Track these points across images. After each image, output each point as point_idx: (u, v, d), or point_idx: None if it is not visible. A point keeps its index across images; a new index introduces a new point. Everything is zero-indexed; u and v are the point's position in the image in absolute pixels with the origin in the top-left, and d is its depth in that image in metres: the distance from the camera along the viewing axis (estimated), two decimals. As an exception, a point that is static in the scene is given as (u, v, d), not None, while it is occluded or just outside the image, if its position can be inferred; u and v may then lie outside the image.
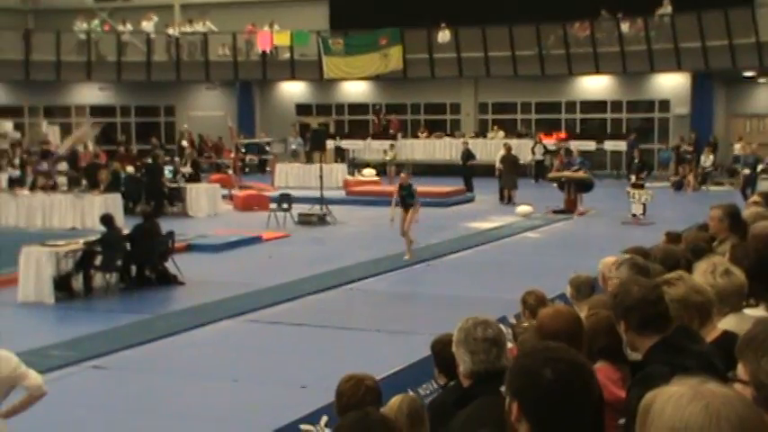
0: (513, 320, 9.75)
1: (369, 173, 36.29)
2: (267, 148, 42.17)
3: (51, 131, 42.06)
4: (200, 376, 12.04)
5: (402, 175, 21.39)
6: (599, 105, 41.36)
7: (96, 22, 43.56)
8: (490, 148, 36.94)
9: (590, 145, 37.93)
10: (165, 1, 44.53)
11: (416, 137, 41.86)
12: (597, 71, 39.26)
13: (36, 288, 16.42)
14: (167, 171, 29.77)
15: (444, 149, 40.62)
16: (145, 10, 43.92)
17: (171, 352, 13.25)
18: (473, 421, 4.08)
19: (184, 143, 40.09)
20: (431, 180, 32.27)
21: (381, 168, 37.26)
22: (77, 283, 16.96)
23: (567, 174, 28.69)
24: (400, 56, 40.54)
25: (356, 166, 38.27)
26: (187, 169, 30.54)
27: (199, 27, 43.17)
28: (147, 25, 43.02)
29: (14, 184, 27.88)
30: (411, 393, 6.89)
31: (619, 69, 38.74)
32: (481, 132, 41.30)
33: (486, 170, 33.39)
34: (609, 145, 38.91)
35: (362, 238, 23.34)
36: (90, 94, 44.69)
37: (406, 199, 19.93)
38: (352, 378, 5.12)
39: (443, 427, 4.47)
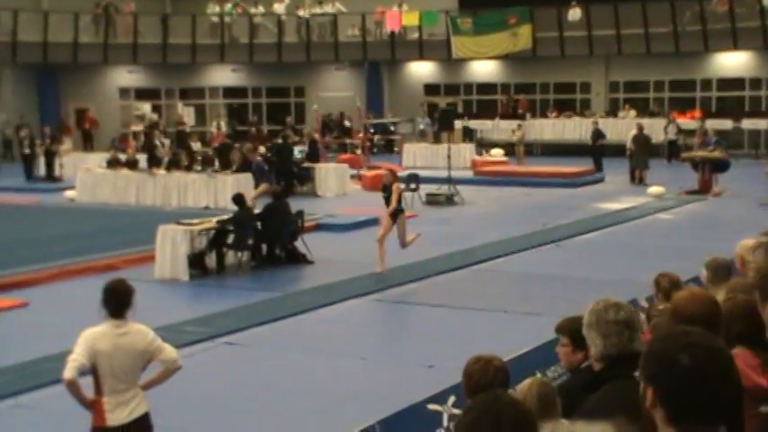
0: (644, 303, 9.55)
1: (497, 153, 36.04)
2: (394, 129, 42.22)
3: (186, 113, 42.98)
4: (328, 354, 12.12)
5: (386, 170, 19.33)
6: (736, 83, 40.15)
7: (229, 5, 44.14)
8: (621, 128, 36.24)
9: (726, 124, 36.93)
10: (296, -17, 44.93)
11: (545, 117, 41.44)
12: (735, 47, 38.17)
13: (172, 265, 16.76)
14: (297, 152, 30.05)
15: (574, 129, 40.09)
16: (276, -8, 44.44)
17: (300, 329, 13.36)
18: (605, 405, 3.99)
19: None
20: (560, 160, 31.92)
21: (510, 149, 36.94)
22: (210, 260, 17.26)
23: (701, 153, 27.96)
24: (529, 35, 40.13)
25: (484, 146, 38.05)
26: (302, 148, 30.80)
27: (329, 8, 43.38)
28: (279, 7, 43.42)
29: (153, 164, 28.43)
30: (540, 376, 6.81)
31: (759, 45, 37.58)
32: (612, 111, 40.66)
33: (617, 150, 32.81)
34: (747, 123, 37.79)
35: (490, 219, 23.19)
36: (223, 75, 45.35)
37: (386, 202, 17.24)
38: (481, 359, 5.05)
39: (574, 412, 4.38)
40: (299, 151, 30.22)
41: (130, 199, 26.95)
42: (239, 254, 17.64)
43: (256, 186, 24.18)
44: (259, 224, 17.83)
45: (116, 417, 6.53)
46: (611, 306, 4.46)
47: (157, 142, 32.21)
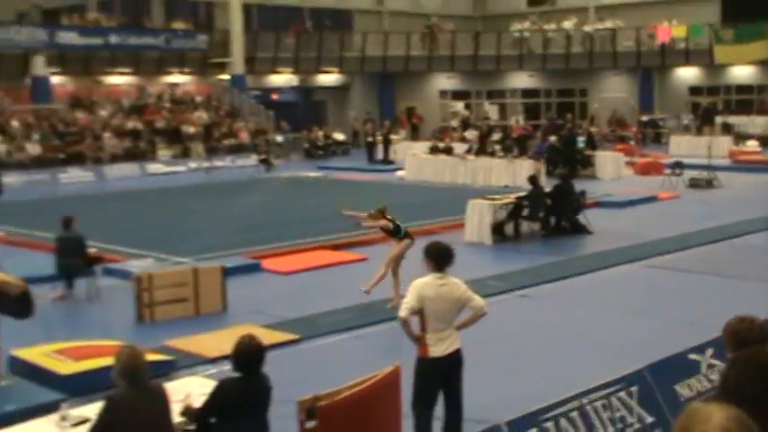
0: None
1: (752, 144, 33.88)
2: (662, 123, 40.66)
3: (491, 110, 43.20)
4: (604, 308, 11.86)
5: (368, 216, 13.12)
6: None
7: (527, 23, 43.91)
8: None
9: None
10: (583, 4, 43.99)
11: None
12: None
13: (478, 232, 16.91)
14: (579, 141, 29.56)
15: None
16: (566, 12, 43.78)
17: (581, 287, 13.14)
18: None
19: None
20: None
21: (764, 141, 34.57)
22: (508, 229, 17.25)
23: None
24: (785, 43, 37.35)
25: (741, 138, 35.86)
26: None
27: (609, 24, 42.26)
28: (568, 24, 42.76)
29: (470, 150, 28.70)
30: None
31: None
32: None
33: None
34: None
35: (745, 200, 21.82)
36: (520, 79, 45.07)
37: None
38: (746, 319, 4.74)
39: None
40: (581, 141, 29.70)
41: (446, 178, 27.36)
42: (532, 224, 17.57)
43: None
44: (549, 200, 17.67)
45: (436, 350, 6.66)
46: None
47: (467, 134, 32.58)
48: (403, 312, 6.56)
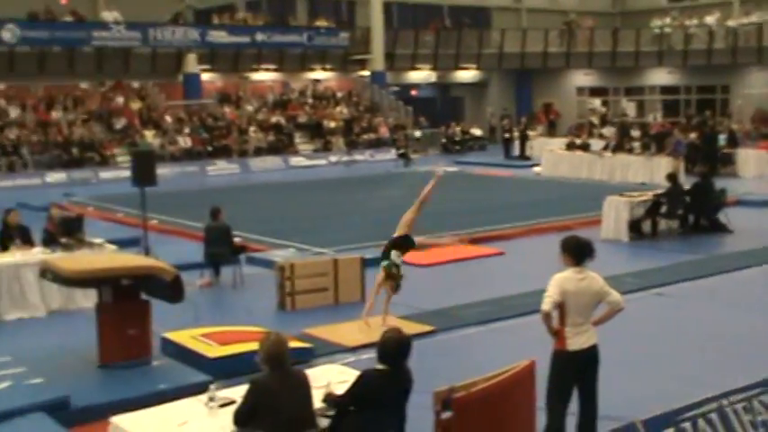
0: None
1: None
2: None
3: (628, 106, 42.11)
4: (743, 309, 11.39)
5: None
6: None
7: (668, 19, 42.58)
8: None
9: None
10: (726, -2, 42.51)
11: None
12: None
13: (614, 228, 16.55)
14: (721, 139, 28.50)
15: None
16: (709, 6, 42.22)
17: (720, 287, 12.66)
18: None
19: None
20: None
21: None
22: (646, 226, 16.80)
23: None
24: None
25: None
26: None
27: (754, 18, 40.46)
28: (710, 19, 41.22)
29: (607, 147, 28.08)
30: None
31: None
32: None
33: None
34: None
35: None
36: (660, 76, 43.68)
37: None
38: None
39: None
40: (722, 138, 28.61)
41: (582, 174, 26.89)
42: (670, 222, 17.05)
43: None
44: (688, 198, 17.11)
45: (574, 342, 6.55)
46: None
47: (604, 131, 31.86)
48: (546, 306, 6.50)
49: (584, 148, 28.60)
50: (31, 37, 31.81)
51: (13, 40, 31.32)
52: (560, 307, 6.56)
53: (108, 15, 33.88)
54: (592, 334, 6.64)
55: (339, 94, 39.55)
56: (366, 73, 40.31)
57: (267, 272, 12.95)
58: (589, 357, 6.61)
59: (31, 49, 32.38)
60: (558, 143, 31.47)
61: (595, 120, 38.33)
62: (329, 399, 5.67)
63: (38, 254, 11.56)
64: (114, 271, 8.54)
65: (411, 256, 14.73)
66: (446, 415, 5.61)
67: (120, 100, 34.08)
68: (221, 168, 32.00)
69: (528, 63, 42.66)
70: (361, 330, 9.97)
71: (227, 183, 28.03)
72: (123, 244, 13.83)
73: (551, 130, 40.32)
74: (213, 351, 8.66)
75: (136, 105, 34.18)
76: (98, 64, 33.87)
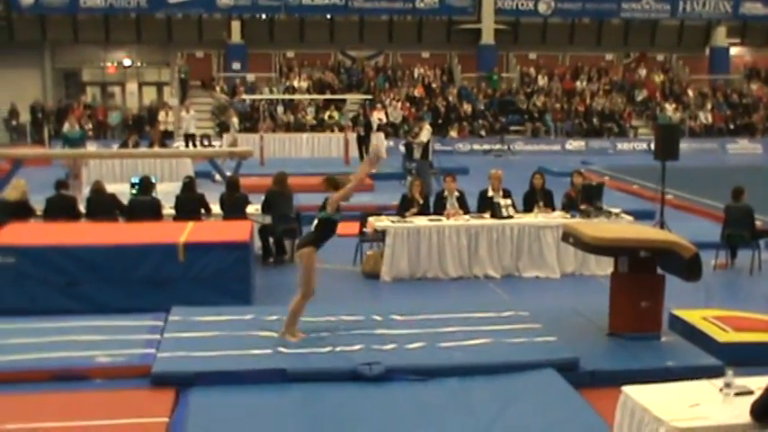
0: None
1: None
2: None
3: None
4: None
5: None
6: None
7: None
8: None
9: None
10: None
11: None
12: None
13: None
14: None
15: None
16: None
17: None
18: None
19: None
20: None
21: None
22: None
23: None
24: None
25: None
26: None
27: None
28: None
29: None
30: None
31: None
32: None
33: None
34: None
35: None
36: None
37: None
38: None
39: None
40: None
41: None
42: None
43: None
44: None
45: None
46: None
47: None
48: None
49: None
50: (564, 9, 33.05)
51: (548, 12, 32.82)
52: None
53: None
54: None
55: None
56: None
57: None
58: None
59: (563, 20, 33.66)
60: None
61: None
62: None
63: (557, 217, 12.07)
64: (635, 242, 8.56)
65: None
66: None
67: (642, 72, 34.10)
68: (743, 147, 30.49)
69: None
70: None
71: (749, 163, 26.53)
72: (637, 216, 13.78)
73: None
74: (726, 336, 8.32)
75: (658, 78, 33.91)
76: (624, 36, 34.16)
